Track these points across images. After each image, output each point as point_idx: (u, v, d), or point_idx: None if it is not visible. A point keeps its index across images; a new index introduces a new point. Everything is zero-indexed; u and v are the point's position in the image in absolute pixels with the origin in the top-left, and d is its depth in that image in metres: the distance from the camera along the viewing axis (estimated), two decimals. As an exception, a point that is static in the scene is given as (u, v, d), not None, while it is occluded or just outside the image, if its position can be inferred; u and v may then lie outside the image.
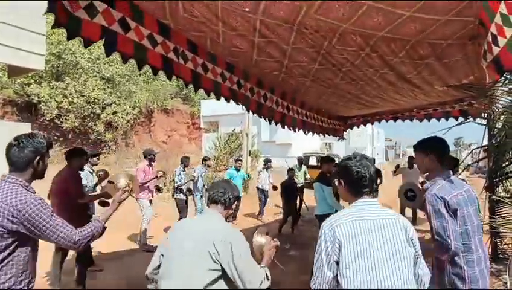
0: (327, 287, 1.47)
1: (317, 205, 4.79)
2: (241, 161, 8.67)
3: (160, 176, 6.19)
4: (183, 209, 6.53)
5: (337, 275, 1.44)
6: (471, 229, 2.04)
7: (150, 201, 5.99)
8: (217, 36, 2.67)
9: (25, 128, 7.09)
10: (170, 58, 2.69)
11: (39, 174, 1.83)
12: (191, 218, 1.99)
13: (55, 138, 15.87)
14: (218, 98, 3.45)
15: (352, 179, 1.57)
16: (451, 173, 2.20)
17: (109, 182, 2.89)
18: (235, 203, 2.06)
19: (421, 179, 7.60)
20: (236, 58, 3.23)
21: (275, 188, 8.40)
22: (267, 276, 1.83)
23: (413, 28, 2.36)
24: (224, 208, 1.97)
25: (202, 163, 7.52)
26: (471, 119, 4.80)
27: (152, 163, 6.09)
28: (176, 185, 6.62)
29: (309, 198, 9.52)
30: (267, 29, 2.48)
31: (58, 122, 15.47)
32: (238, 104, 3.78)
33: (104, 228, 1.92)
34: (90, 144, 16.82)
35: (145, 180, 5.77)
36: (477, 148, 6.04)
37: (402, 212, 7.84)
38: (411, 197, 2.81)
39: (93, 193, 4.39)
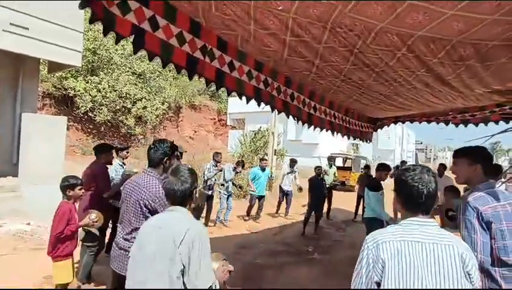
0: None
1: (366, 208, 5.06)
2: (266, 160, 8.63)
3: None
4: (205, 203, 6.73)
5: None
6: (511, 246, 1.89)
7: None
8: (248, 35, 2.64)
9: (62, 121, 7.43)
10: (196, 57, 2.69)
11: (166, 170, 2.38)
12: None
13: (89, 130, 16.56)
14: (240, 97, 3.41)
15: (407, 194, 1.41)
16: (494, 184, 2.05)
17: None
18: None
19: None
20: (267, 57, 3.19)
21: (300, 189, 8.37)
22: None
23: (456, 27, 2.22)
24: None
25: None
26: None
27: (180, 160, 6.17)
28: (205, 178, 6.68)
29: (336, 201, 9.37)
30: (299, 28, 2.42)
31: (92, 116, 16.11)
32: (259, 104, 3.68)
33: None
34: (120, 137, 17.41)
35: None
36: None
37: (432, 216, 7.50)
38: (452, 217, 2.66)
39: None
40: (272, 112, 4.10)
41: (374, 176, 5.42)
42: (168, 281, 1.59)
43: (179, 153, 6.15)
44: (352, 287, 1.40)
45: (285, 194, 8.62)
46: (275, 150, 13.07)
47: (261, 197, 8.01)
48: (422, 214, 1.40)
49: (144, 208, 2.26)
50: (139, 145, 17.77)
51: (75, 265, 3.44)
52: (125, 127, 17.32)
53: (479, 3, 1.89)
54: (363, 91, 4.13)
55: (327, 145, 19.89)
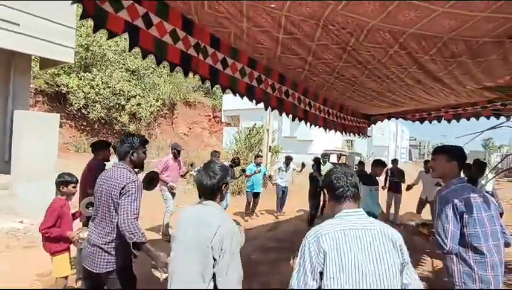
0: None
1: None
2: (261, 156, 8.63)
3: (189, 170, 6.32)
4: None
5: (320, 285, 1.43)
6: (483, 234, 2.11)
7: (173, 194, 6.07)
8: (241, 32, 2.64)
9: (54, 118, 7.36)
10: (190, 54, 2.68)
11: (137, 164, 2.46)
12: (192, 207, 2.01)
13: (82, 127, 16.43)
14: (234, 94, 3.41)
15: (333, 187, 1.63)
16: (465, 180, 2.30)
17: None
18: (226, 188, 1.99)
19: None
20: (260, 54, 3.19)
21: (303, 165, 8.54)
22: None
23: (447, 24, 2.24)
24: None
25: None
26: (505, 123, 4.55)
27: (177, 157, 6.16)
28: None
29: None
30: (292, 26, 2.42)
31: (85, 113, 15.96)
32: (252, 100, 3.66)
33: (140, 246, 2.26)
34: (114, 134, 17.30)
35: (165, 173, 5.86)
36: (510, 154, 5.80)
37: (419, 211, 7.60)
38: None
39: None
40: (266, 109, 4.09)
41: (368, 172, 5.42)
42: (202, 272, 1.72)
43: (176, 151, 6.15)
44: (294, 277, 1.50)
45: (281, 191, 8.64)
46: (270, 146, 13.08)
47: (256, 194, 8.03)
48: (349, 201, 1.60)
49: (114, 200, 2.26)
50: (134, 143, 17.64)
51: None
52: (119, 124, 17.19)
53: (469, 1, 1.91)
54: (356, 88, 4.15)
55: (322, 142, 19.95)
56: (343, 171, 1.67)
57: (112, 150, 4.52)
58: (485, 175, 4.90)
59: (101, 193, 2.34)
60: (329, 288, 1.40)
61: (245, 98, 3.55)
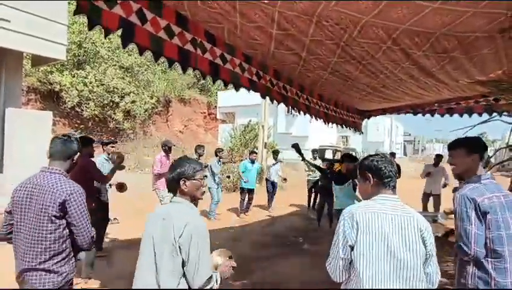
0: (341, 269, 1.59)
1: (335, 201, 5.13)
2: (256, 153, 8.62)
3: None
4: None
5: (351, 259, 1.55)
6: (507, 237, 1.89)
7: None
8: (234, 28, 2.63)
9: (47, 116, 7.28)
10: (187, 49, 2.65)
11: (71, 169, 2.08)
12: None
13: (76, 125, 16.29)
14: (237, 89, 3.38)
15: (378, 175, 1.67)
16: (489, 175, 2.06)
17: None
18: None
19: (443, 180, 7.38)
20: (254, 50, 3.18)
21: (285, 180, 8.64)
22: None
23: (439, 20, 2.26)
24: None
25: (216, 155, 7.53)
26: (497, 116, 4.60)
27: (168, 154, 6.14)
28: None
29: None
30: (285, 21, 2.42)
31: (79, 110, 15.84)
32: (257, 93, 3.68)
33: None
34: (109, 132, 17.19)
35: (161, 171, 5.85)
36: (504, 147, 5.85)
37: (425, 208, 7.63)
38: None
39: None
40: (272, 103, 4.10)
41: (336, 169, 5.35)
42: (172, 270, 1.67)
43: (167, 148, 6.11)
44: (330, 251, 1.65)
45: (271, 185, 8.62)
46: (265, 143, 13.09)
47: (251, 191, 8.03)
48: (392, 190, 1.67)
49: (50, 213, 1.85)
50: (128, 140, 17.59)
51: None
52: (114, 122, 17.09)
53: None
54: (351, 83, 4.17)
55: (317, 138, 20.02)
56: (391, 162, 1.72)
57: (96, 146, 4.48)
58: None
59: (30, 203, 1.89)
60: (357, 263, 1.52)
61: (240, 94, 3.54)
